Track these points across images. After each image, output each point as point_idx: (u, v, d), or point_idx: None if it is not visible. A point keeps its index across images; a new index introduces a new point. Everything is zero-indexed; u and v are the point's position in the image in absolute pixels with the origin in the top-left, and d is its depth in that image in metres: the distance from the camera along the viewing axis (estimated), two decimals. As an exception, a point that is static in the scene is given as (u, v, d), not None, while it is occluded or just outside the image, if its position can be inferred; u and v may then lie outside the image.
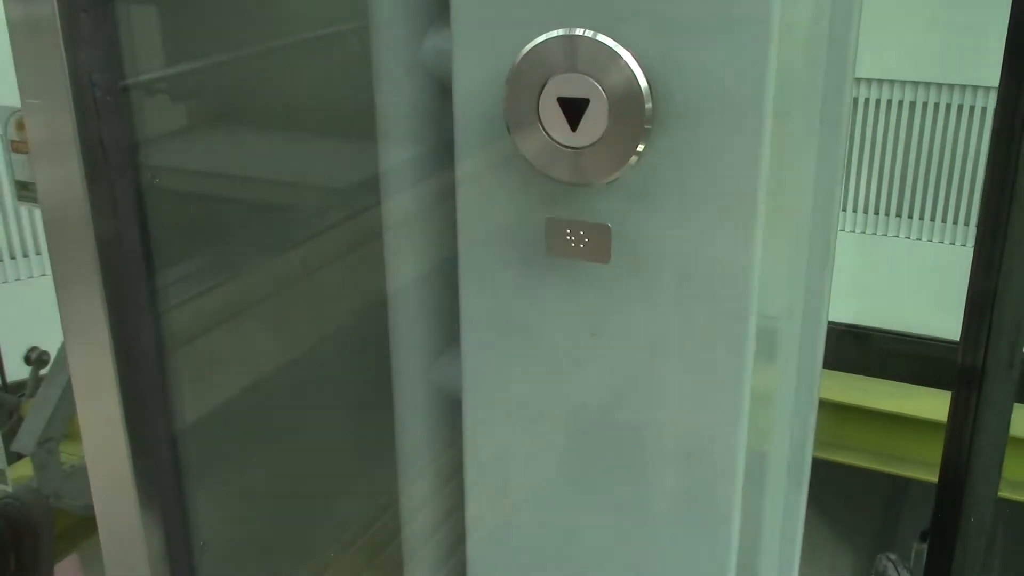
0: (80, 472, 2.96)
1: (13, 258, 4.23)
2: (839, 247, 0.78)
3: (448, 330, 0.74)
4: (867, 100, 3.52)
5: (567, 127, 0.59)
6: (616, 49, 0.58)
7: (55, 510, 2.78)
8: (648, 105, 0.58)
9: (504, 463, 0.69)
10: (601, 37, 0.58)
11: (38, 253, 4.36)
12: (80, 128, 0.75)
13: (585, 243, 0.61)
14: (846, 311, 3.31)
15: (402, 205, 0.73)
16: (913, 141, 3.52)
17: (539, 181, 0.61)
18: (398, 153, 0.72)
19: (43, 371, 2.71)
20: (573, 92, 0.59)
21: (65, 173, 0.76)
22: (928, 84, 3.44)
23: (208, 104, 0.94)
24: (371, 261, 0.77)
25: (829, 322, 0.81)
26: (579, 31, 0.58)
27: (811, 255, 0.75)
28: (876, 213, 3.67)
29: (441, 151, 0.69)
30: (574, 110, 0.59)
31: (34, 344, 2.71)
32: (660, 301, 0.61)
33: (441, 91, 0.69)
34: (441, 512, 0.80)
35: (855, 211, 3.69)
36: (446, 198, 0.67)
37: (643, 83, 0.58)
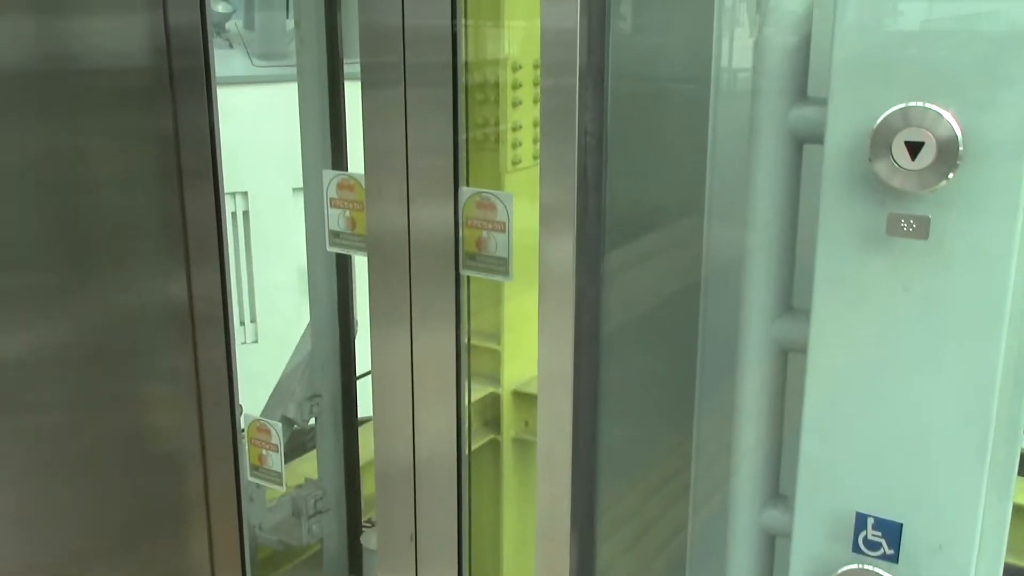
0: (279, 508, 3.41)
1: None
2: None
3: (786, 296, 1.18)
4: None
5: (909, 158, 0.99)
6: (941, 112, 0.98)
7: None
8: (961, 148, 0.97)
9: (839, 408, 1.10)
10: (931, 105, 0.98)
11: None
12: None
13: (913, 227, 1.02)
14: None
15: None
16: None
17: (886, 191, 1.02)
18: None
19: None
20: (914, 138, 0.99)
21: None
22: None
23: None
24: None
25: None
26: (916, 103, 0.98)
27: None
28: None
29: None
30: (915, 149, 0.99)
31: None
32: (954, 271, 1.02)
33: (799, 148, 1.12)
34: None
35: None
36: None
37: (958, 133, 0.97)
